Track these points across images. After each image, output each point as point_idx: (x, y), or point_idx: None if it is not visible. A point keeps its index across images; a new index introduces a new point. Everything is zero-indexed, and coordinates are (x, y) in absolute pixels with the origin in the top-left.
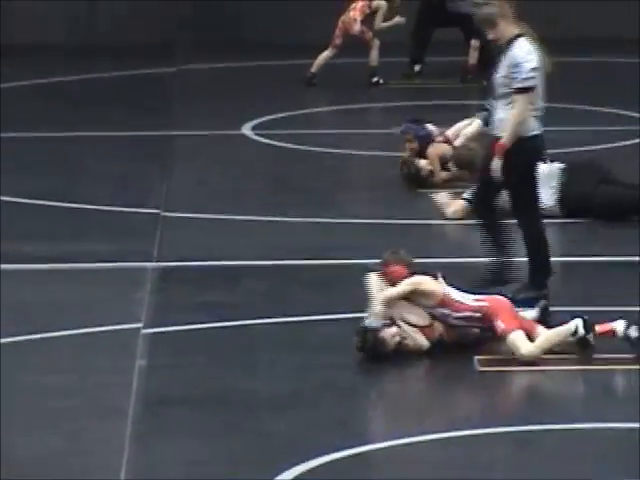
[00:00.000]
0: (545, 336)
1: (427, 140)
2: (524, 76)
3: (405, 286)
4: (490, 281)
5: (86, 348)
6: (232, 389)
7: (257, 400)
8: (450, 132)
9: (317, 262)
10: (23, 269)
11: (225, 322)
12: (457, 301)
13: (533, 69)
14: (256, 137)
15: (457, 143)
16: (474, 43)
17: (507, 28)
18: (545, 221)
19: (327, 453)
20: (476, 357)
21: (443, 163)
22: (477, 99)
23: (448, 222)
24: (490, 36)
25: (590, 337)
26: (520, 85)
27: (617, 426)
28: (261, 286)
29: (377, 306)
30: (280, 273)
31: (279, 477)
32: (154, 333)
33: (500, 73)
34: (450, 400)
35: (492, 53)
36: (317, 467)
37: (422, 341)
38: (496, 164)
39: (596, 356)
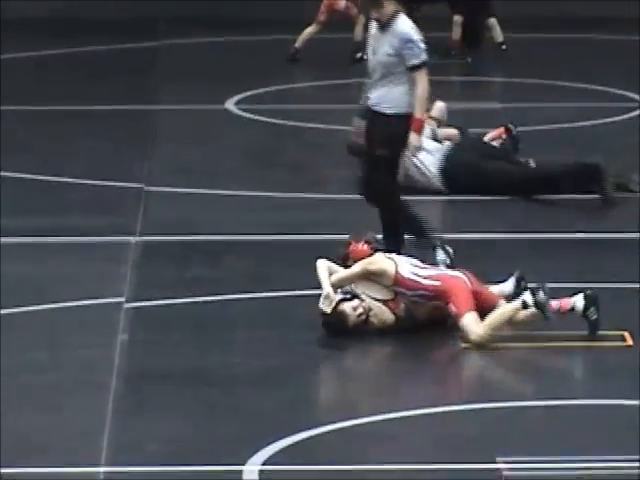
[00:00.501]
0: (491, 317)
1: None
2: (419, 51)
3: (355, 269)
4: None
5: (68, 323)
6: (213, 365)
7: (238, 376)
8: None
9: (300, 238)
10: (4, 243)
11: (207, 297)
12: (410, 279)
13: (424, 43)
14: (239, 112)
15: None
16: (457, 19)
17: (389, 5)
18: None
19: (307, 429)
20: (460, 333)
21: None
22: (460, 75)
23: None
24: (374, 15)
25: (545, 309)
26: (418, 61)
27: (604, 402)
28: (244, 262)
29: (326, 289)
30: (263, 249)
31: (259, 453)
32: (136, 308)
33: (384, 51)
34: (433, 376)
35: (476, 29)
36: (297, 443)
37: (387, 315)
38: (415, 139)
39: (577, 333)
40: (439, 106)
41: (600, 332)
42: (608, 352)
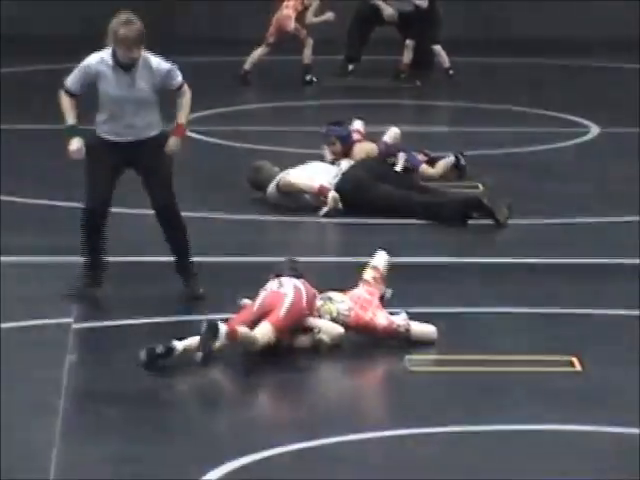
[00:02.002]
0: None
1: (350, 141)
2: (177, 73)
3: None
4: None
5: (16, 343)
6: (163, 386)
7: (189, 398)
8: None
9: (248, 260)
10: None
11: (156, 318)
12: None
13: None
14: (189, 133)
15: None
16: (409, 43)
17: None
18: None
19: (259, 451)
20: (407, 357)
21: None
22: (410, 99)
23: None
24: (134, 55)
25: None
26: (181, 79)
27: (551, 428)
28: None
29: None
30: (211, 270)
31: (209, 474)
32: (85, 328)
33: (140, 87)
34: (381, 400)
35: (427, 54)
36: (247, 465)
37: (337, 329)
38: (175, 143)
39: (530, 357)
40: (393, 131)
41: (548, 357)
42: (556, 377)
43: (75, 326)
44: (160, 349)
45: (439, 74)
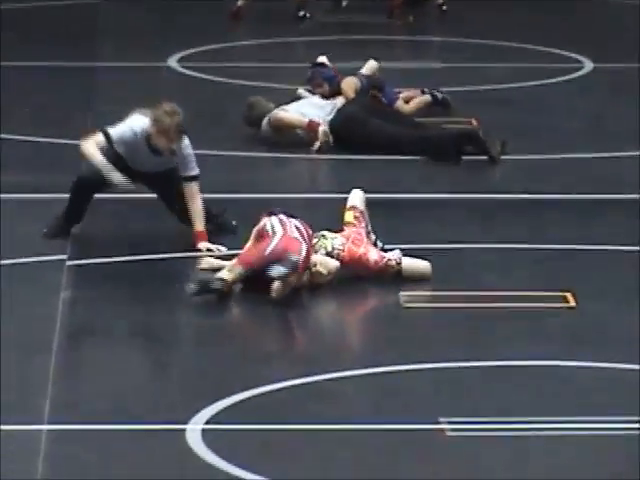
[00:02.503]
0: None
1: (336, 80)
2: (195, 166)
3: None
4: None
5: (10, 280)
6: (156, 323)
7: (181, 335)
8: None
9: (241, 196)
10: None
11: (151, 255)
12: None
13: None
14: (182, 69)
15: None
16: None
17: None
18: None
19: (250, 388)
20: (401, 293)
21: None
22: (402, 34)
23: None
24: (172, 146)
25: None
26: (195, 173)
27: (545, 364)
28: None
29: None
30: (208, 207)
31: (202, 412)
32: (79, 265)
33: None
34: (376, 335)
35: None
36: (239, 402)
37: (332, 262)
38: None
39: (524, 293)
40: (371, 64)
41: (542, 293)
42: (550, 313)
43: (69, 263)
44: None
45: (432, 9)
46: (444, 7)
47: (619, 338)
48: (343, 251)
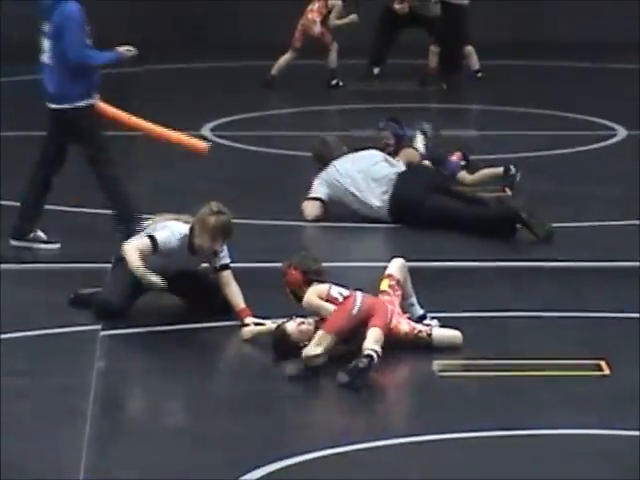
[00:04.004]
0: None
1: (404, 141)
2: (226, 254)
3: (315, 305)
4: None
5: (45, 349)
6: (190, 392)
7: (215, 404)
8: None
9: (274, 265)
10: None
11: (183, 325)
12: (335, 298)
13: None
14: (215, 138)
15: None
16: (433, 49)
17: None
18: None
19: (286, 458)
20: (435, 362)
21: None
22: (436, 102)
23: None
24: (216, 246)
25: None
26: (226, 261)
27: (580, 432)
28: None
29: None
30: (242, 276)
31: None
32: (112, 335)
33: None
34: (410, 404)
35: (455, 57)
36: (275, 472)
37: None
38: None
39: (557, 361)
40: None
41: (576, 361)
42: (584, 381)
43: (103, 333)
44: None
45: (467, 76)
46: (479, 74)
47: None
48: None
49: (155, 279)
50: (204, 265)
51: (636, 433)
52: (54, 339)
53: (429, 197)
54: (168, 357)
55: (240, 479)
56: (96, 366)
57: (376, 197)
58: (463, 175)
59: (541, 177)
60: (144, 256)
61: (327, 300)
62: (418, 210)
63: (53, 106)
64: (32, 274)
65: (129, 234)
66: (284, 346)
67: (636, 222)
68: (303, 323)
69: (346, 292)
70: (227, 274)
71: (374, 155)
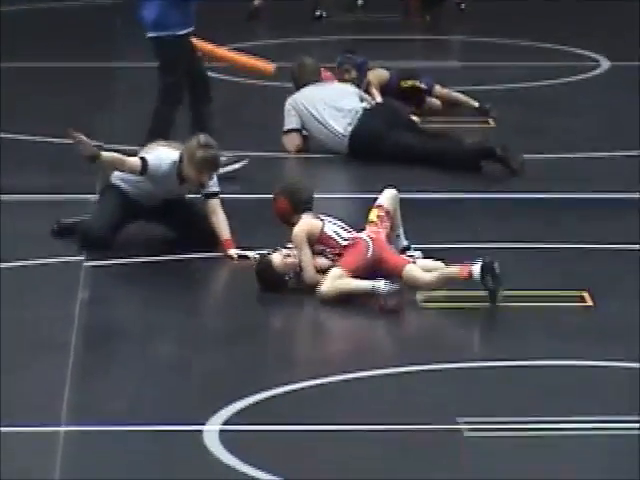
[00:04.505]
0: (437, 274)
1: (365, 68)
2: (215, 182)
3: (300, 247)
4: None
5: (28, 281)
6: (174, 324)
7: (198, 336)
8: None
9: (255, 197)
10: None
11: (167, 256)
12: (330, 237)
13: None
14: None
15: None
16: None
17: None
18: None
19: (268, 389)
20: (417, 293)
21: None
22: (419, 34)
23: None
24: (203, 180)
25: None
26: (215, 189)
27: (562, 363)
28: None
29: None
30: (225, 209)
31: (219, 413)
32: (96, 266)
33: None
34: (393, 335)
35: None
36: (257, 403)
37: (313, 276)
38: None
39: (540, 292)
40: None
41: (559, 292)
42: (567, 312)
43: (87, 264)
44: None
45: (450, 8)
46: (462, 6)
47: (636, 337)
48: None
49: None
50: (193, 196)
51: (617, 364)
52: (37, 270)
53: (394, 132)
54: (152, 288)
55: (224, 409)
56: (80, 297)
57: (340, 126)
58: (439, 89)
59: (523, 108)
60: (130, 172)
61: (320, 237)
62: (380, 144)
63: (152, 34)
64: (14, 205)
65: None
66: (268, 277)
67: (618, 154)
68: (289, 256)
69: (343, 233)
70: (214, 202)
71: (347, 89)
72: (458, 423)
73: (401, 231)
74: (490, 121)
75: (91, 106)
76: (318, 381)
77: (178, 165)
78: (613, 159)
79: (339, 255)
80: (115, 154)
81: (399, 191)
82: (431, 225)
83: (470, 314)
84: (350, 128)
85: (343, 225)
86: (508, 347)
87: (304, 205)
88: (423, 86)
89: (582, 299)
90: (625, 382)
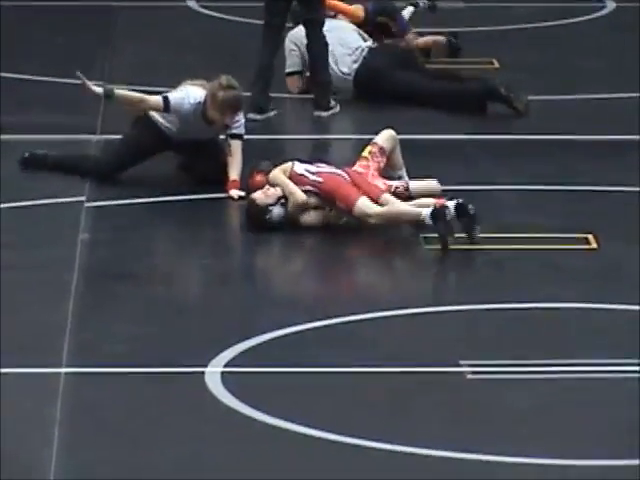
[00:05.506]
0: (391, 208)
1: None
2: (242, 124)
3: (279, 178)
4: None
5: (29, 221)
6: (175, 265)
7: (199, 277)
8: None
9: (258, 137)
10: None
11: (169, 197)
12: (300, 174)
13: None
14: (201, 9)
15: None
16: None
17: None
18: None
19: (270, 331)
20: (421, 235)
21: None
22: None
23: None
24: (226, 121)
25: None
26: (242, 131)
27: (566, 306)
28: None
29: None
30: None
31: (222, 354)
32: (97, 207)
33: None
34: (397, 278)
35: None
36: (259, 345)
37: (300, 194)
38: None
39: (545, 235)
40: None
41: (564, 234)
42: (572, 255)
43: (87, 205)
44: None
45: None
46: None
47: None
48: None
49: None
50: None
51: (622, 307)
52: (38, 210)
53: (398, 72)
54: (153, 229)
55: (226, 351)
56: (80, 238)
57: (345, 64)
58: (412, 37)
59: (528, 49)
60: (152, 109)
61: (291, 176)
62: (384, 83)
63: None
64: (14, 145)
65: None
66: (252, 214)
67: (622, 95)
68: (269, 189)
69: (312, 168)
70: (235, 143)
71: (347, 25)
72: (461, 366)
73: (403, 172)
74: (494, 61)
75: (93, 45)
76: (318, 323)
77: (203, 106)
78: (617, 100)
79: (312, 187)
80: (131, 92)
81: (403, 132)
82: (433, 166)
83: (475, 256)
84: (355, 66)
85: (319, 164)
86: (511, 290)
87: None
88: (393, 29)
89: (587, 241)
90: (629, 325)
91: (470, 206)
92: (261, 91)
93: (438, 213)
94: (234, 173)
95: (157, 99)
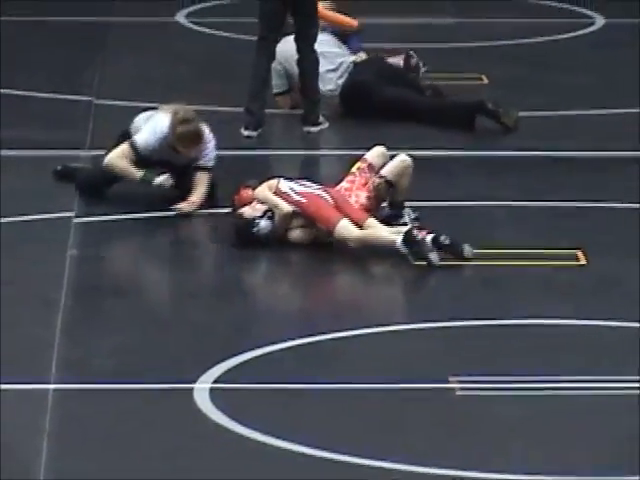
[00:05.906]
0: (371, 232)
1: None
2: (211, 158)
3: (264, 194)
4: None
5: (18, 237)
6: (163, 281)
7: (188, 292)
8: None
9: (247, 153)
10: None
11: (157, 213)
12: (284, 192)
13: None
14: (190, 25)
15: None
16: None
17: None
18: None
19: (259, 347)
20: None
21: None
22: None
23: None
24: (190, 154)
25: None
26: (210, 164)
27: (554, 322)
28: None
29: None
30: (216, 165)
31: (210, 371)
32: (86, 223)
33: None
34: (385, 294)
35: None
36: (248, 361)
37: (284, 206)
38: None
39: (534, 251)
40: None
41: (553, 250)
42: (561, 271)
43: (76, 220)
44: None
45: None
46: None
47: (630, 296)
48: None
49: (160, 179)
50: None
51: (612, 323)
52: (26, 226)
53: (385, 86)
54: (141, 245)
55: (215, 367)
56: (69, 254)
57: (331, 82)
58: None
59: (516, 65)
60: (131, 160)
61: (275, 193)
62: (371, 98)
63: None
64: (4, 160)
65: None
66: (238, 225)
67: (611, 111)
68: (256, 205)
69: (297, 187)
70: (199, 176)
71: (329, 39)
72: (451, 382)
73: (407, 211)
74: (483, 78)
75: (80, 62)
76: (307, 340)
77: (170, 138)
78: (605, 117)
79: (295, 206)
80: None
81: (392, 148)
82: (423, 183)
83: (464, 272)
84: (340, 81)
85: (304, 183)
86: (501, 306)
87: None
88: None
89: (576, 258)
90: (616, 341)
91: (442, 237)
92: (260, 108)
93: (407, 237)
94: (194, 197)
95: (126, 149)
